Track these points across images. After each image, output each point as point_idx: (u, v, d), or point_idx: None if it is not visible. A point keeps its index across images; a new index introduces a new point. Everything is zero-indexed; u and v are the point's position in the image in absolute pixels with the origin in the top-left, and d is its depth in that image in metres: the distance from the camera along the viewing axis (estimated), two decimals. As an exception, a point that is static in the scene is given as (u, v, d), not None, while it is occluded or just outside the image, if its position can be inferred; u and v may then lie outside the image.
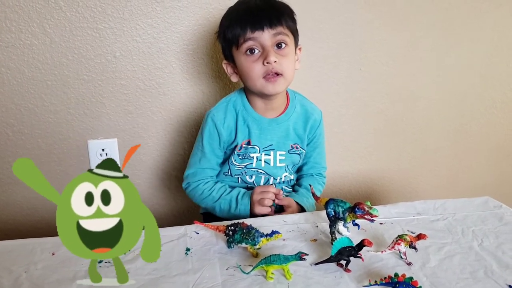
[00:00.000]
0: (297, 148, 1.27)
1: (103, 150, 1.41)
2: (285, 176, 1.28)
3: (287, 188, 1.32)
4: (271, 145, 1.23)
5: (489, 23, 1.71)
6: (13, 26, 1.24)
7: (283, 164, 1.26)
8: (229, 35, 1.14)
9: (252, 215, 1.16)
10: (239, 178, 1.26)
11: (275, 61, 1.10)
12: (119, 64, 1.35)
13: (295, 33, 1.18)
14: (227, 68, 1.22)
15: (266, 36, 1.10)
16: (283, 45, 1.13)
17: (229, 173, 1.25)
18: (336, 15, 1.51)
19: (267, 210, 1.15)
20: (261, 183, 1.26)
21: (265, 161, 1.23)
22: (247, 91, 1.22)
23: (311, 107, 1.30)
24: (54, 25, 1.27)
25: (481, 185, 1.94)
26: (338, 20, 1.52)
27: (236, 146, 1.21)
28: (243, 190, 1.22)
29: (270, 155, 1.23)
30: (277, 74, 1.12)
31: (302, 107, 1.28)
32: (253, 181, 1.26)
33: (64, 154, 1.39)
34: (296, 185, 1.34)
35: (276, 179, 1.27)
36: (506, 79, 1.82)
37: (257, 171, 1.24)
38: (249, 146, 1.21)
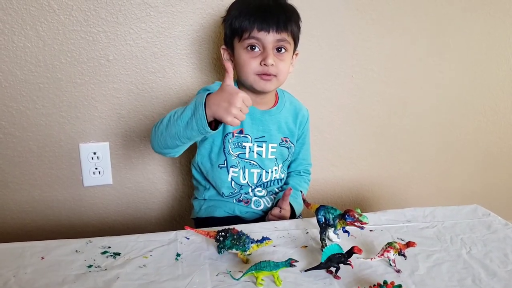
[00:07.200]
0: (286, 141, 1.30)
1: (94, 153, 1.40)
2: (275, 170, 1.29)
3: (277, 189, 1.33)
4: (264, 136, 1.25)
5: (479, 32, 1.73)
6: (6, 28, 1.23)
7: (273, 157, 1.28)
8: (235, 25, 1.16)
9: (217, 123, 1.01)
10: (233, 182, 1.25)
11: (272, 64, 1.13)
12: (112, 68, 1.35)
13: (296, 40, 1.22)
14: (224, 54, 1.23)
15: (269, 39, 1.13)
16: (283, 50, 1.17)
17: (225, 165, 1.23)
18: (328, 22, 1.52)
19: (237, 122, 0.96)
20: (254, 181, 1.26)
21: (257, 153, 1.25)
22: (239, 84, 1.25)
23: (299, 104, 1.36)
24: (48, 28, 1.26)
25: (470, 192, 1.96)
26: (330, 27, 1.53)
27: (232, 132, 1.21)
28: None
29: (262, 147, 1.25)
30: (271, 74, 1.16)
31: (291, 104, 1.33)
32: (246, 182, 1.25)
33: (55, 157, 1.38)
34: (284, 184, 1.35)
35: (268, 172, 1.27)
36: (496, 87, 1.84)
37: (250, 162, 1.25)
38: (242, 135, 1.22)
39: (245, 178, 1.25)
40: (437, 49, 1.70)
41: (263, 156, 1.26)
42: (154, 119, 1.43)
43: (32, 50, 1.27)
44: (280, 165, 1.31)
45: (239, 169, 1.24)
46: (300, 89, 1.54)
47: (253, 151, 1.24)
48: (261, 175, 1.27)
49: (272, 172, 1.28)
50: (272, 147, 1.26)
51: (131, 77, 1.37)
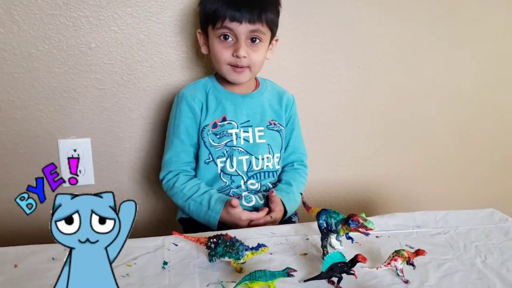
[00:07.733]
0: (275, 124, 1.34)
1: (75, 150, 1.39)
2: (267, 158, 1.31)
3: (270, 184, 1.34)
4: (248, 121, 1.30)
5: (501, 18, 1.72)
6: (-23, 12, 1.23)
7: (264, 141, 1.31)
8: (209, 11, 1.22)
9: (223, 224, 1.21)
10: (221, 172, 1.28)
11: (244, 56, 1.20)
12: (95, 57, 1.34)
13: (273, 28, 1.27)
14: (200, 38, 1.31)
15: (242, 30, 1.19)
16: (257, 40, 1.23)
17: (211, 158, 1.27)
18: (333, 8, 1.52)
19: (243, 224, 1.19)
20: (244, 168, 1.29)
21: (244, 139, 1.29)
22: (217, 74, 1.32)
23: (282, 89, 1.41)
24: (23, 12, 1.26)
25: (487, 196, 1.95)
26: (335, 14, 1.53)
27: (208, 124, 1.27)
28: (216, 195, 1.23)
29: (248, 132, 1.30)
30: (243, 66, 1.23)
31: (274, 88, 1.39)
32: (235, 170, 1.28)
33: (32, 154, 1.37)
34: (278, 181, 1.37)
35: (258, 159, 1.30)
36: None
37: (238, 149, 1.28)
38: (226, 122, 1.28)
39: (232, 166, 1.28)
40: (453, 37, 1.69)
41: (251, 141, 1.30)
42: (141, 113, 1.43)
43: (5, 36, 1.26)
44: (276, 155, 1.33)
45: (226, 158, 1.28)
46: (302, 81, 1.53)
47: (240, 137, 1.28)
48: (250, 161, 1.29)
49: (263, 159, 1.30)
50: (259, 131, 1.31)
51: (115, 67, 1.37)
